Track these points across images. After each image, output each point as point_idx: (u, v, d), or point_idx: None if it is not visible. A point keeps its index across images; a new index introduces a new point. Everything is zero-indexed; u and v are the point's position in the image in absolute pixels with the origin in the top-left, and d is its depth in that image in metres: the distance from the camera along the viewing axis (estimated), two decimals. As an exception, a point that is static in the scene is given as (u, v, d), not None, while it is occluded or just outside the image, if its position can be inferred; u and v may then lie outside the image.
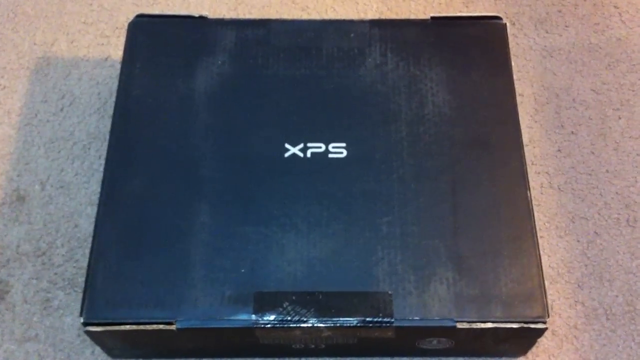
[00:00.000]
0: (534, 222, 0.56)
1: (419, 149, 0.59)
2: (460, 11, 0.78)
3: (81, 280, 0.63)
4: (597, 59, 0.74)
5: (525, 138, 0.65)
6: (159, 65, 0.63)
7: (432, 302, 0.53)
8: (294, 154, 0.59)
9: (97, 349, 0.59)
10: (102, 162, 0.67)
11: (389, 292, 0.53)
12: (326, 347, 0.57)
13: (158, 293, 0.53)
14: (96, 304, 0.53)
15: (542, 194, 0.67)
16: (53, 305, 0.62)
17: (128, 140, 0.59)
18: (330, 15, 0.78)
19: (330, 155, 0.59)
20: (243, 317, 0.52)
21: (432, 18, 0.66)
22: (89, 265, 0.54)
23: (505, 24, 0.65)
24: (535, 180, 0.67)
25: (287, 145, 0.59)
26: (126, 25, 0.67)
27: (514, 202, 0.57)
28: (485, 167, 0.58)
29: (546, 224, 0.66)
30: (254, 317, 0.52)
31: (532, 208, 0.56)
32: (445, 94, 0.62)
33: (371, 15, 0.78)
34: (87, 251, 0.63)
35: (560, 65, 0.74)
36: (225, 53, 0.64)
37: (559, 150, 0.69)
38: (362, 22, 0.66)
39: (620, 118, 0.71)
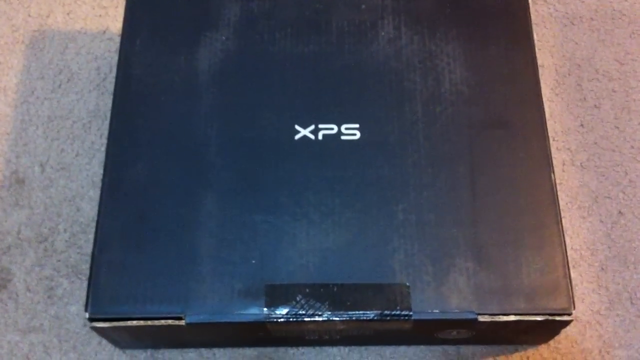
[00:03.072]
0: (559, 207, 0.53)
1: (436, 131, 0.56)
2: (477, -24, 0.74)
3: (85, 267, 0.61)
4: (621, 27, 0.71)
5: (545, 113, 0.61)
6: (160, 41, 0.60)
7: (451, 294, 0.51)
8: (304, 136, 0.56)
9: (104, 340, 0.58)
10: (104, 141, 0.65)
11: (406, 284, 0.51)
12: (341, 338, 0.55)
13: (165, 287, 0.51)
14: (101, 299, 0.51)
15: (563, 172, 0.64)
16: (57, 294, 0.60)
17: (129, 124, 0.56)
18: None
19: (342, 137, 0.56)
20: (254, 311, 0.50)
21: (449, -13, 0.62)
22: (92, 258, 0.52)
23: (527, -7, 0.61)
24: (556, 157, 0.64)
25: (297, 127, 0.56)
26: (124, -4, 0.63)
27: (537, 186, 0.54)
28: (506, 150, 0.55)
29: (568, 204, 0.63)
30: (265, 311, 0.50)
31: (557, 193, 0.54)
32: (462, 70, 0.58)
33: (382, -19, 0.74)
34: (91, 236, 0.61)
35: (582, 34, 0.70)
36: (229, 28, 0.60)
37: (582, 125, 0.66)
38: (374, -8, 0.62)
39: (645, 90, 0.68)
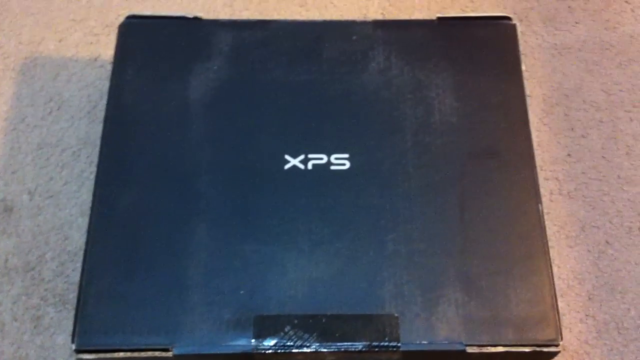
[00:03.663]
0: (546, 238, 0.53)
1: (426, 161, 0.56)
2: (466, 6, 0.75)
3: (72, 296, 0.60)
4: (608, 57, 0.72)
5: (533, 142, 0.62)
6: (152, 69, 0.60)
7: (440, 324, 0.50)
8: (294, 166, 0.56)
9: (91, 370, 0.57)
10: (93, 169, 0.65)
11: (395, 315, 0.51)
12: (329, 368, 0.55)
13: (154, 317, 0.51)
14: (89, 330, 0.50)
15: (551, 201, 0.65)
16: (43, 324, 0.60)
17: (120, 152, 0.56)
18: (331, 10, 0.75)
19: (332, 167, 0.56)
20: (242, 342, 0.50)
21: (439, 18, 0.63)
22: (80, 288, 0.51)
23: (515, 24, 0.62)
24: (544, 186, 0.65)
25: (287, 157, 0.56)
26: (116, 23, 0.64)
27: (525, 216, 0.54)
28: (495, 179, 0.56)
29: (556, 233, 0.63)
30: (253, 342, 0.50)
31: (544, 223, 0.54)
32: (452, 100, 0.59)
33: (373, 10, 0.75)
34: (79, 265, 0.61)
35: (570, 64, 0.71)
36: (221, 56, 0.60)
37: (569, 155, 0.67)
38: (365, 22, 0.62)
39: (632, 120, 0.68)
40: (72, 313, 0.58)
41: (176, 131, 0.57)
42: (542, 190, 0.63)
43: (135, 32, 0.62)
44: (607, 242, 0.63)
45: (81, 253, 0.57)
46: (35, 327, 0.59)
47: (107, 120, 0.57)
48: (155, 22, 0.62)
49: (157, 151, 0.56)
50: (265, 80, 0.60)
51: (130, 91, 0.59)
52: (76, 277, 0.60)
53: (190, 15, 0.62)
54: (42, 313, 0.60)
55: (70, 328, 0.54)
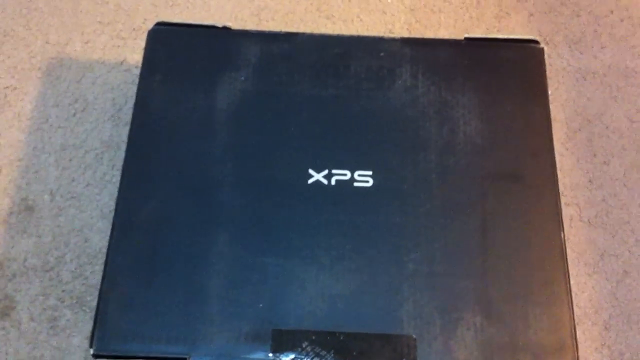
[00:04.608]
0: (567, 265, 0.53)
1: (449, 181, 0.56)
2: (492, 25, 0.75)
3: (90, 299, 0.61)
4: (633, 84, 0.71)
5: (556, 167, 0.62)
6: (179, 78, 0.60)
7: (458, 348, 0.50)
8: (317, 181, 0.56)
9: (105, 374, 0.57)
10: (115, 172, 0.65)
11: (413, 336, 0.51)
12: (344, 385, 0.55)
13: (172, 326, 0.51)
14: (107, 335, 0.50)
15: (571, 227, 0.65)
16: (60, 325, 0.60)
17: (144, 160, 0.56)
18: (357, 24, 0.75)
19: (355, 184, 0.56)
20: (260, 355, 0.50)
21: (466, 39, 0.63)
22: (100, 293, 0.52)
23: (543, 48, 0.62)
24: (564, 212, 0.65)
25: (310, 171, 0.56)
26: (143, 27, 0.64)
27: (547, 242, 0.54)
28: (518, 203, 0.55)
29: (574, 260, 0.63)
30: (271, 356, 0.50)
31: (566, 250, 0.54)
32: (477, 122, 0.59)
33: (399, 26, 0.75)
34: (97, 268, 0.61)
35: (595, 90, 0.71)
36: (248, 68, 0.61)
37: (590, 181, 0.67)
38: (393, 39, 0.62)
39: (655, 149, 0.68)
40: (89, 315, 0.58)
41: (201, 140, 0.57)
42: (562, 216, 0.63)
43: (164, 38, 0.62)
44: (625, 271, 0.62)
45: (100, 256, 0.57)
46: (51, 328, 0.59)
47: (133, 126, 0.58)
48: (184, 29, 0.63)
49: (181, 160, 0.57)
50: (291, 93, 0.60)
51: (157, 98, 0.59)
52: (94, 279, 0.60)
53: (219, 25, 0.62)
54: (59, 314, 0.60)
55: (87, 330, 0.55)
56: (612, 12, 0.75)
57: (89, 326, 0.58)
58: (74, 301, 0.61)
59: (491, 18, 0.75)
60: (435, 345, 0.50)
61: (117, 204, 0.55)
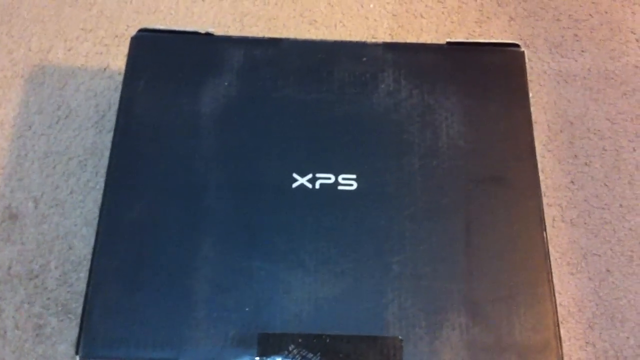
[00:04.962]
0: (550, 265, 0.54)
1: (432, 184, 0.57)
2: (473, 30, 0.76)
3: (75, 306, 0.60)
4: (613, 86, 0.72)
5: (538, 169, 0.63)
6: (162, 84, 0.60)
7: (443, 349, 0.51)
8: (302, 185, 0.56)
9: (91, 381, 0.57)
10: (99, 179, 0.65)
11: (399, 338, 0.51)
12: (331, 388, 0.55)
13: (159, 331, 0.51)
14: (94, 341, 0.50)
15: (553, 227, 0.65)
16: (45, 333, 0.59)
17: (128, 165, 0.56)
18: (340, 30, 0.75)
19: (339, 187, 0.56)
20: (246, 359, 0.50)
21: (448, 43, 0.63)
22: (85, 298, 0.51)
23: (524, 52, 0.62)
24: (547, 213, 0.65)
25: (295, 175, 0.57)
26: (126, 34, 0.64)
27: (530, 243, 0.55)
28: (501, 205, 0.56)
29: (557, 260, 0.64)
30: (257, 359, 0.50)
31: (548, 250, 0.54)
32: (460, 125, 0.59)
33: (382, 31, 0.75)
34: (82, 275, 0.61)
35: (575, 92, 0.72)
36: (232, 73, 0.61)
37: (572, 182, 0.67)
38: (375, 44, 0.63)
39: (635, 150, 0.69)
40: (75, 322, 0.58)
41: (185, 146, 0.57)
42: (545, 217, 0.64)
43: (147, 45, 0.62)
44: (608, 270, 0.63)
45: (85, 263, 0.57)
46: (37, 336, 0.59)
47: (116, 131, 0.58)
48: (167, 36, 0.63)
49: (166, 165, 0.57)
50: (274, 98, 0.60)
51: (140, 104, 0.59)
52: (79, 286, 0.60)
53: (202, 31, 0.62)
54: (44, 322, 0.60)
55: (72, 338, 0.54)
56: (591, 15, 0.76)
57: (74, 333, 0.58)
58: (59, 309, 0.60)
59: (472, 23, 0.76)
60: (421, 346, 0.51)
61: (102, 209, 0.54)
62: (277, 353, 0.50)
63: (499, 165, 0.58)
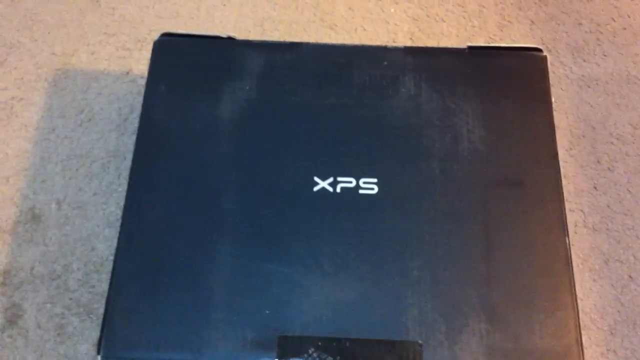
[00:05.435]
0: (572, 271, 0.53)
1: (452, 188, 0.56)
2: (494, 34, 0.75)
3: (96, 306, 0.61)
4: (636, 91, 0.72)
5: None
6: (184, 88, 0.61)
7: (463, 354, 0.51)
8: (323, 188, 0.56)
9: (112, 382, 0.57)
10: (122, 181, 0.65)
11: (419, 342, 0.51)
12: (349, 392, 0.55)
13: (178, 333, 0.51)
14: (115, 342, 0.51)
15: (576, 233, 0.65)
16: (67, 332, 0.60)
17: (150, 169, 0.57)
18: (360, 34, 0.75)
19: (360, 191, 0.56)
20: (266, 362, 0.50)
21: (469, 47, 0.63)
22: (107, 300, 0.52)
23: (546, 56, 0.62)
24: (569, 218, 0.64)
25: (316, 179, 0.57)
26: (148, 38, 0.65)
27: (551, 248, 0.54)
28: (521, 209, 0.56)
29: (579, 265, 0.63)
30: (277, 362, 0.50)
31: (570, 256, 0.54)
32: (480, 129, 0.59)
33: (402, 36, 0.75)
34: (104, 276, 0.61)
35: (597, 97, 0.71)
36: (252, 77, 0.61)
37: (595, 188, 0.67)
38: (395, 49, 0.63)
39: (658, 155, 0.68)
40: (96, 323, 0.59)
41: (206, 149, 0.58)
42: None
43: (169, 49, 0.63)
44: (630, 276, 0.63)
45: (107, 264, 0.58)
46: (58, 336, 0.60)
47: (139, 136, 0.58)
48: (188, 40, 0.63)
49: (187, 168, 0.57)
50: (295, 102, 0.60)
51: (162, 108, 0.60)
52: (101, 287, 0.61)
53: (224, 35, 0.63)
54: (65, 322, 0.60)
55: (94, 338, 0.55)
56: (613, 20, 0.75)
57: (95, 333, 0.58)
58: (81, 309, 0.61)
59: (493, 27, 0.76)
60: (440, 351, 0.51)
61: (124, 213, 0.55)
62: (296, 356, 0.50)
63: (519, 169, 0.57)
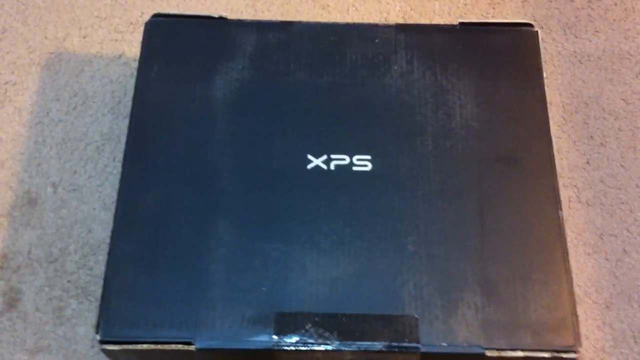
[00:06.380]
0: (566, 244, 0.54)
1: (446, 165, 0.57)
2: (487, 12, 0.76)
3: (94, 288, 0.61)
4: (628, 67, 0.72)
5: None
6: (177, 68, 0.61)
7: (459, 327, 0.51)
8: (317, 166, 0.57)
9: (111, 362, 0.58)
10: (116, 164, 0.66)
11: (415, 316, 0.51)
12: (347, 367, 0.55)
13: (176, 312, 0.51)
14: (113, 322, 0.51)
15: (570, 208, 0.65)
16: (66, 315, 0.60)
17: (144, 150, 0.57)
18: (352, 14, 0.75)
19: (354, 168, 0.57)
20: (264, 338, 0.51)
21: (461, 23, 0.63)
22: (105, 281, 0.52)
23: (537, 31, 0.62)
24: (562, 194, 0.64)
25: (309, 157, 0.57)
26: (140, 20, 0.65)
27: (545, 222, 0.55)
28: (515, 185, 0.56)
29: (574, 240, 0.64)
30: (275, 338, 0.51)
31: (564, 229, 0.54)
32: (473, 106, 0.59)
33: (394, 14, 0.75)
34: (101, 258, 0.62)
35: (590, 73, 0.72)
36: (245, 57, 0.61)
37: (588, 163, 0.67)
38: (387, 26, 0.63)
39: (650, 130, 0.69)
40: (94, 305, 0.59)
41: (200, 130, 0.58)
42: (561, 198, 0.64)
43: (161, 30, 0.63)
44: (624, 250, 0.63)
45: (103, 246, 0.58)
46: (57, 318, 0.60)
47: (132, 117, 0.58)
48: (180, 21, 0.63)
49: (181, 149, 0.57)
50: (288, 81, 0.60)
51: (155, 89, 0.60)
52: (99, 269, 0.61)
53: (216, 15, 0.63)
54: (64, 304, 0.61)
55: (92, 320, 0.55)
56: (605, -5, 0.76)
57: (94, 315, 0.59)
58: (79, 291, 0.61)
59: (485, 5, 0.76)
60: (436, 324, 0.51)
61: (119, 194, 0.55)
62: (294, 332, 0.51)
63: (512, 145, 0.58)
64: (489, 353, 0.50)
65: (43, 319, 0.60)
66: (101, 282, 0.51)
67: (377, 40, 0.62)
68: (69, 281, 0.61)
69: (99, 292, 0.52)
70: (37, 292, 0.61)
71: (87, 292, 0.61)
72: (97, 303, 0.53)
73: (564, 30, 0.74)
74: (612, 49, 0.73)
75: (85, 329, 0.60)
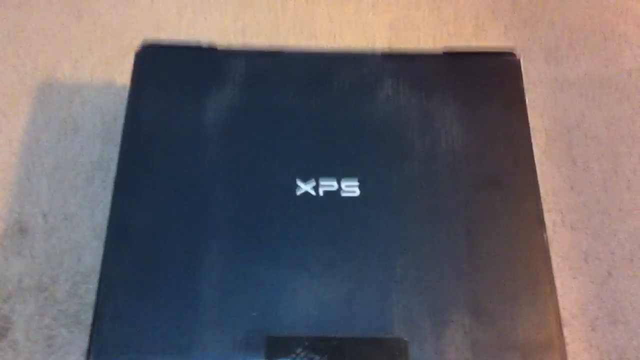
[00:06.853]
0: (551, 265, 0.55)
1: (432, 189, 0.58)
2: (470, 40, 0.77)
3: (85, 317, 0.61)
4: (608, 93, 0.74)
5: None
6: (167, 96, 0.61)
7: (448, 349, 0.52)
8: (306, 192, 0.57)
9: (101, 390, 0.58)
10: (107, 192, 0.66)
11: (405, 339, 0.52)
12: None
13: (167, 336, 0.52)
14: (104, 348, 0.51)
15: (554, 232, 0.66)
16: (56, 344, 0.60)
17: (136, 176, 0.58)
18: (339, 42, 0.77)
19: (342, 194, 0.57)
20: (255, 362, 0.51)
21: (445, 52, 0.65)
22: (95, 306, 0.52)
23: (519, 59, 0.64)
24: (547, 217, 0.66)
25: (298, 182, 0.58)
26: (130, 49, 0.65)
27: (530, 244, 0.56)
28: (501, 208, 0.57)
29: (559, 263, 0.65)
30: (266, 363, 0.51)
31: (549, 250, 0.55)
32: (458, 131, 0.61)
33: (380, 43, 0.77)
34: (92, 286, 0.62)
35: (571, 99, 0.73)
36: (235, 84, 0.62)
37: (571, 187, 0.68)
38: (374, 54, 0.64)
39: (631, 155, 0.70)
40: (85, 333, 0.59)
41: (191, 156, 0.59)
42: (545, 222, 0.65)
43: (152, 58, 0.64)
44: (609, 273, 0.64)
45: (94, 275, 0.58)
46: (48, 347, 0.60)
47: (123, 143, 0.59)
48: (171, 49, 0.64)
49: (172, 175, 0.58)
50: (277, 108, 0.61)
51: (146, 115, 0.60)
52: (89, 297, 0.61)
53: (206, 44, 0.64)
54: (55, 333, 0.61)
55: (83, 348, 0.55)
56: (584, 24, 0.77)
57: (84, 344, 0.59)
58: (70, 320, 0.61)
59: (469, 32, 0.78)
60: (426, 346, 0.52)
61: (110, 219, 0.56)
62: (284, 356, 0.51)
63: (497, 169, 0.59)
64: (478, 374, 0.51)
65: (33, 348, 0.60)
66: (91, 311, 0.51)
67: (364, 68, 0.63)
68: (59, 310, 0.61)
69: (89, 320, 0.52)
70: (27, 321, 0.61)
71: (78, 320, 0.61)
72: (88, 331, 0.53)
73: (545, 57, 0.76)
74: (592, 75, 0.75)
75: (75, 358, 0.60)
